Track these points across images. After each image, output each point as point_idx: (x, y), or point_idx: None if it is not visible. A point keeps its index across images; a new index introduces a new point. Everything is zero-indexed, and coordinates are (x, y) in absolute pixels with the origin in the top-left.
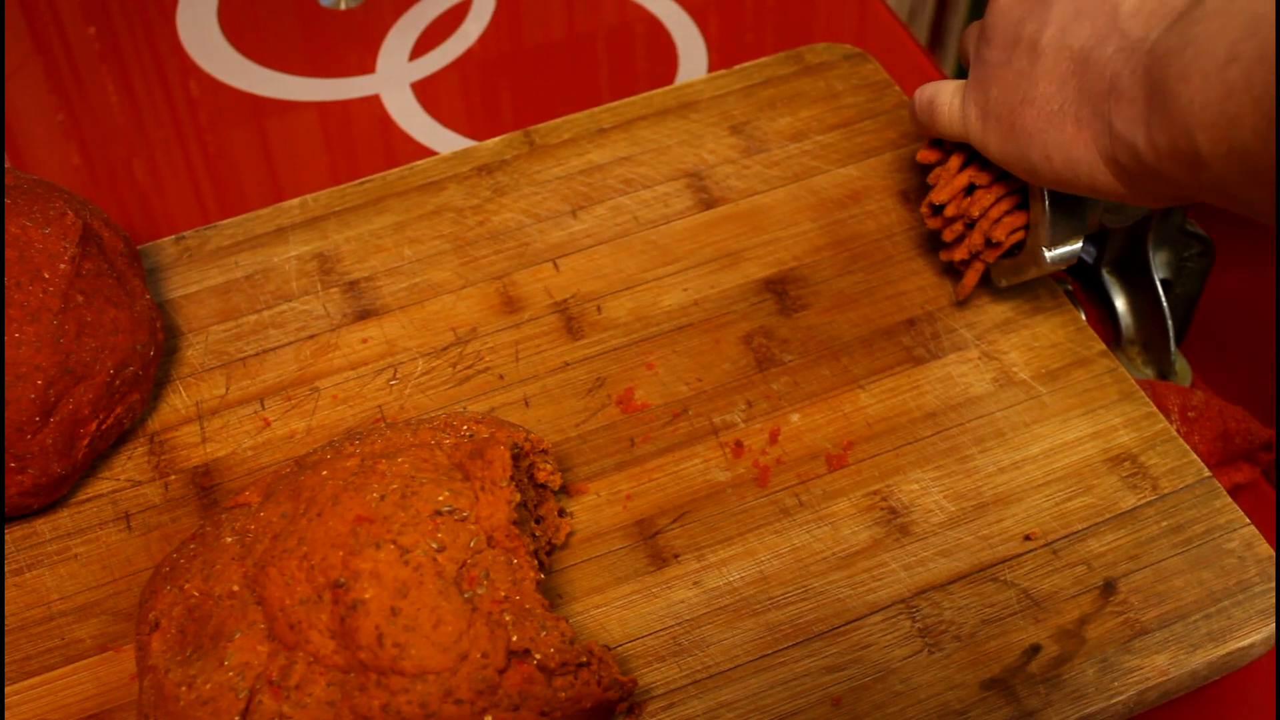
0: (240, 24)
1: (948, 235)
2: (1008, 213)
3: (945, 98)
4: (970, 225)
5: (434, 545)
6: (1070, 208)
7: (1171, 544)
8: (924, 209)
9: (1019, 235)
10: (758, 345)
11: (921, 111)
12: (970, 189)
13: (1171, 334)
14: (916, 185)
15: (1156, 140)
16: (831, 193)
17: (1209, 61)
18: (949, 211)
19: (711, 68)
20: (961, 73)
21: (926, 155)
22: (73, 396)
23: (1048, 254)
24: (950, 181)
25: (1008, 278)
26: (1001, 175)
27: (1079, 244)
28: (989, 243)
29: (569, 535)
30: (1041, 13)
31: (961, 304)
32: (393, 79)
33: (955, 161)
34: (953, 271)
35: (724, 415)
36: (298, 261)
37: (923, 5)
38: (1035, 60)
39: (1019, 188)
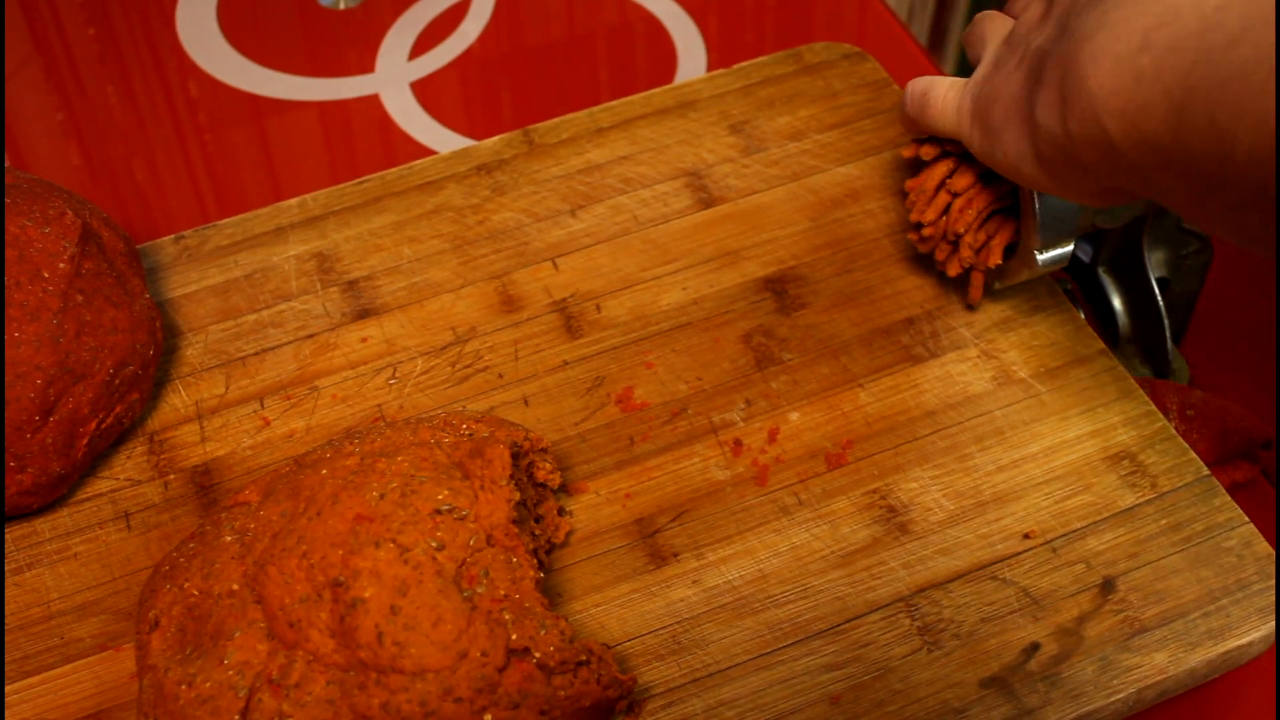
0: (240, 24)
1: (939, 254)
2: (989, 218)
3: (940, 90)
4: (956, 241)
5: (433, 544)
6: (1060, 210)
7: (1170, 542)
8: (911, 235)
9: (1011, 239)
10: (757, 344)
11: (913, 104)
12: (949, 206)
13: (1168, 333)
14: None
15: (1071, 127)
16: (830, 192)
17: (1121, 45)
18: (928, 232)
19: (710, 67)
20: (962, 71)
21: (912, 150)
22: (72, 396)
23: (1039, 257)
24: (931, 201)
25: (1001, 280)
26: (982, 179)
27: (1070, 246)
28: (978, 251)
29: (568, 534)
30: (1046, 28)
31: (974, 308)
32: (392, 78)
33: (931, 183)
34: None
35: (723, 414)
36: (297, 261)
37: (923, 5)
38: (1020, 64)
39: (1004, 192)
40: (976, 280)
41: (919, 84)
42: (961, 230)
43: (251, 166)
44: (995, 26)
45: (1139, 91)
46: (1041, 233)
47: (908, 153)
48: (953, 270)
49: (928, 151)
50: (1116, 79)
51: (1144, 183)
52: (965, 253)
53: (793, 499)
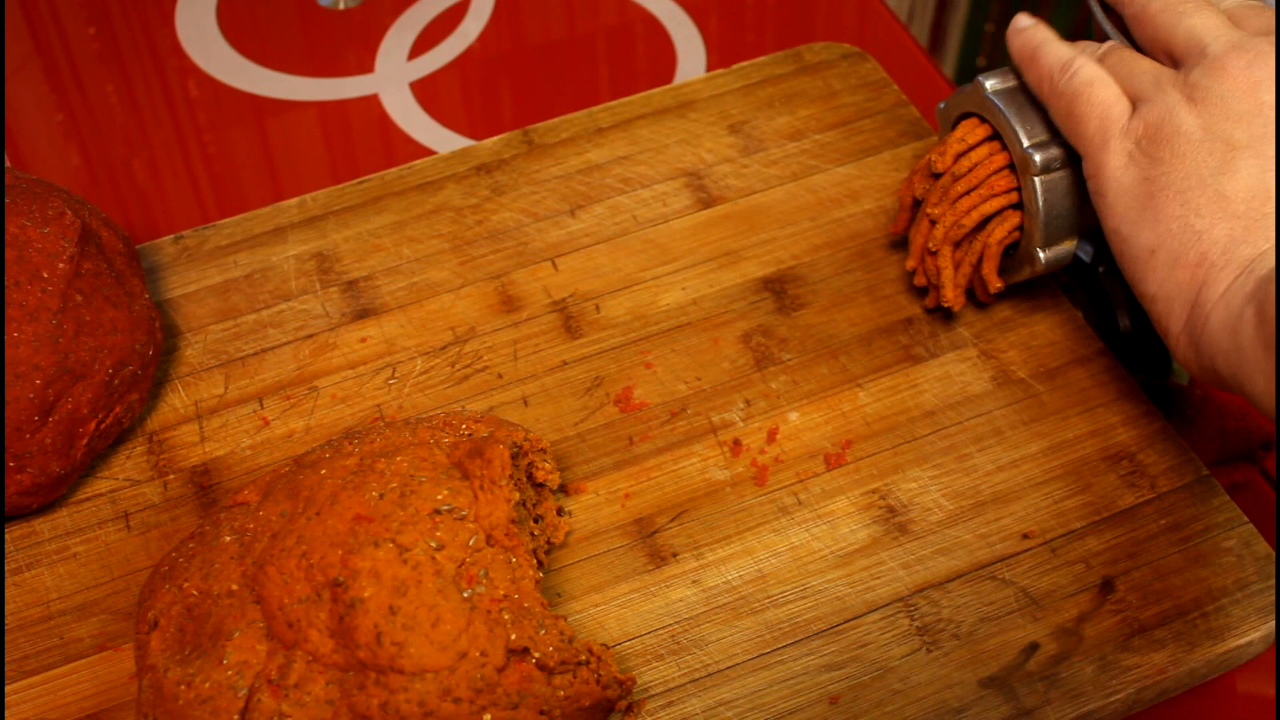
0: (239, 24)
1: (930, 299)
2: (965, 237)
3: (1111, 94)
4: (938, 274)
5: (433, 544)
6: (1064, 209)
7: (1170, 542)
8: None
9: (998, 258)
10: (756, 344)
11: (1081, 91)
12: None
13: None
14: None
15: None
16: (830, 191)
17: None
18: (919, 281)
19: (710, 67)
20: (961, 74)
21: (912, 265)
22: (71, 396)
23: (1042, 255)
24: (918, 250)
25: (1003, 278)
26: (959, 201)
27: (1073, 244)
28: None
29: (568, 534)
30: (1253, 135)
31: (985, 305)
32: (391, 78)
33: (917, 226)
34: None
35: (722, 414)
36: (296, 261)
37: (923, 5)
38: (1225, 169)
39: (976, 204)
40: (980, 290)
41: (1082, 69)
42: (933, 248)
43: (251, 166)
44: (1144, 72)
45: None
46: (1045, 231)
47: (904, 197)
48: (956, 301)
49: (922, 188)
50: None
51: (1234, 363)
52: (949, 293)
53: (792, 499)
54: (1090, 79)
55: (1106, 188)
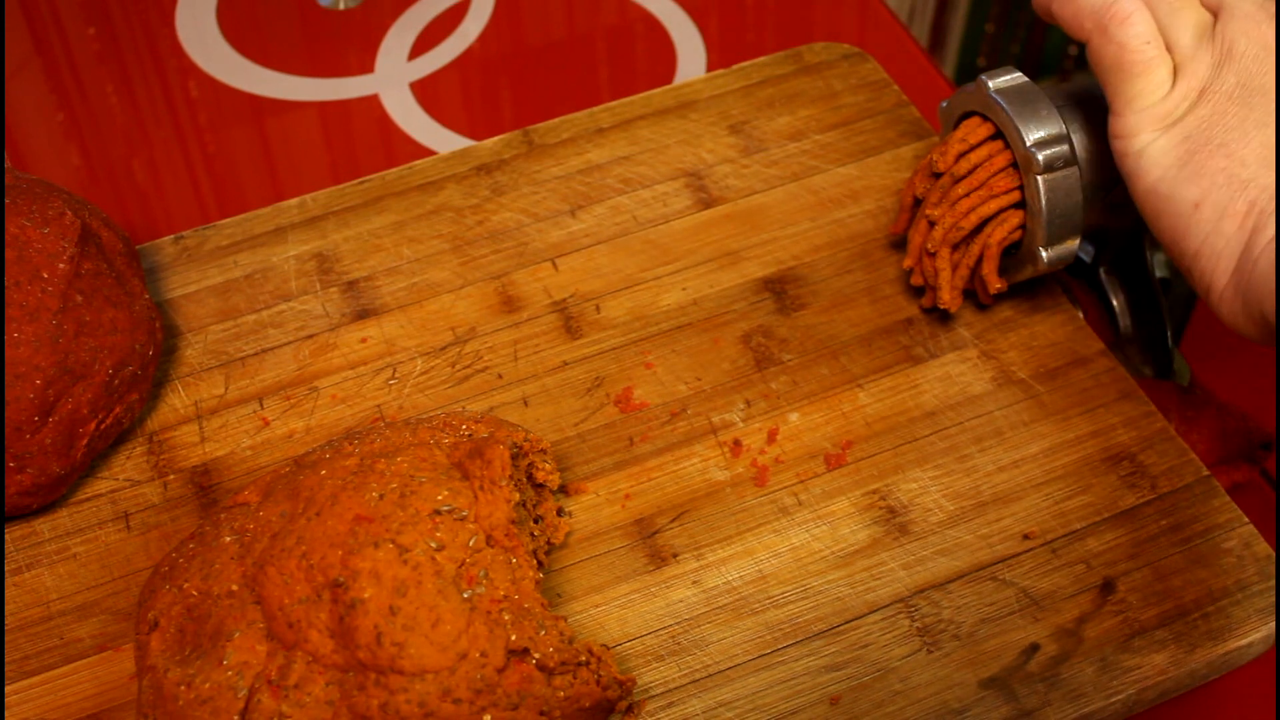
0: (239, 24)
1: (928, 300)
2: (965, 239)
3: (1160, 55)
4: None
5: (433, 544)
6: (1067, 208)
7: (1170, 543)
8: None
9: (1012, 237)
10: (756, 344)
11: (1135, 47)
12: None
13: (1170, 333)
14: None
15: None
16: (830, 192)
17: None
18: (916, 281)
19: (710, 67)
20: (962, 73)
21: (910, 264)
22: (71, 396)
23: (1044, 254)
24: (916, 250)
25: (1005, 278)
26: (958, 204)
27: (1076, 243)
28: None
29: (568, 534)
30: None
31: (986, 306)
32: (391, 79)
33: (916, 232)
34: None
35: (722, 414)
36: (296, 261)
37: (923, 5)
38: (1268, 120)
39: (974, 208)
40: (980, 291)
41: (1136, 24)
42: (931, 249)
43: (251, 166)
44: (1186, 25)
45: None
46: (1048, 229)
47: (905, 197)
48: (953, 301)
49: (920, 189)
50: None
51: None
52: (945, 295)
53: (792, 499)
54: (1144, 34)
55: (1142, 147)
